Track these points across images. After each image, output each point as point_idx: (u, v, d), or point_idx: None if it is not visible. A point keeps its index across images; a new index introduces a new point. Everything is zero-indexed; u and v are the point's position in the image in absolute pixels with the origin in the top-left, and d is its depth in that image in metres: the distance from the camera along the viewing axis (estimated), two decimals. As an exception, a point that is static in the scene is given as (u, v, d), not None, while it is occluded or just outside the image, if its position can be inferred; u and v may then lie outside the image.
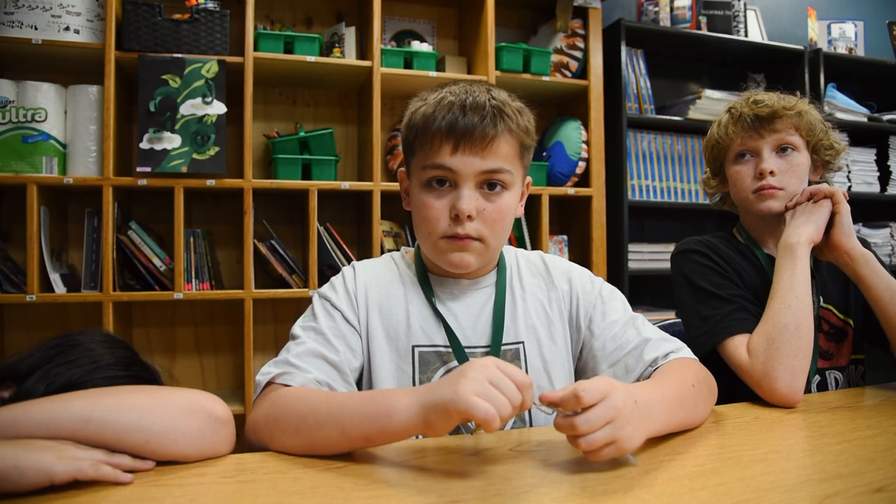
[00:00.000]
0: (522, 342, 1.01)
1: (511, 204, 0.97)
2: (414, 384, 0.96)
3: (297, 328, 0.97)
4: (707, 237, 1.33)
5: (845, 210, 1.18)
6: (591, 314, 1.04)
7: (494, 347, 0.98)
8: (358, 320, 0.98)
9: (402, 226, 2.52)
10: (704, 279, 1.23)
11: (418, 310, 1.00)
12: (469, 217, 0.92)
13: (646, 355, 0.98)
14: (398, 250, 1.11)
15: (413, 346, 0.97)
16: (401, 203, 1.07)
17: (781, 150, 1.24)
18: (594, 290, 1.06)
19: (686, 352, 1.01)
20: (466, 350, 0.97)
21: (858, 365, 1.30)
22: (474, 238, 0.93)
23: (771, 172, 1.22)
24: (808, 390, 1.19)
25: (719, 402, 1.03)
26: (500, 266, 1.06)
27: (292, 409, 0.80)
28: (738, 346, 1.12)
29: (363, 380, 0.98)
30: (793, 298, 1.10)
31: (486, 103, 0.92)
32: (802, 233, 1.16)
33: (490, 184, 0.93)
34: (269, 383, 0.88)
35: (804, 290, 1.12)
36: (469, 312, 1.01)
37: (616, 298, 1.06)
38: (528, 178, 1.04)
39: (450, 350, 0.98)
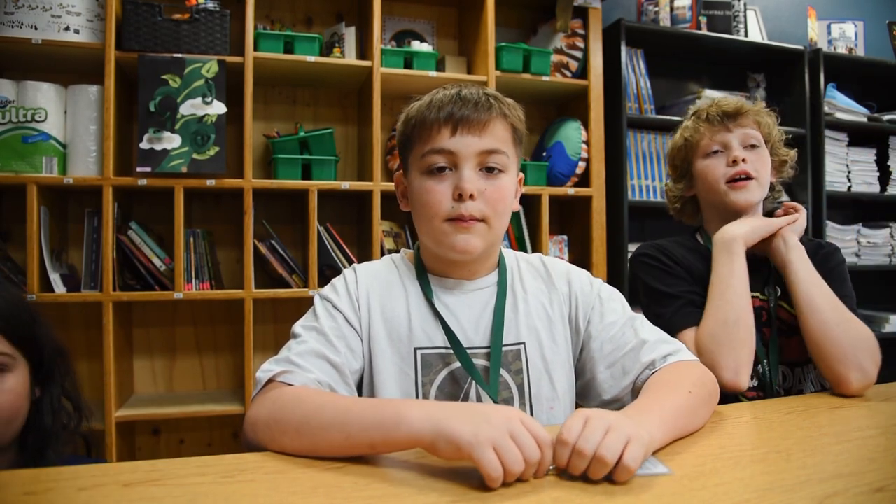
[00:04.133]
0: (524, 343, 1.01)
1: (510, 187, 0.98)
2: (417, 387, 0.96)
3: (298, 327, 0.97)
4: (661, 241, 1.38)
5: (802, 216, 1.30)
6: (590, 316, 1.04)
7: (495, 349, 0.97)
8: (360, 323, 0.98)
9: (402, 226, 2.52)
10: (655, 280, 1.31)
11: (419, 311, 1.00)
12: (471, 196, 0.93)
13: (643, 357, 0.98)
14: (398, 251, 1.11)
15: (415, 349, 0.97)
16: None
17: (749, 144, 1.31)
18: (593, 292, 1.07)
19: (685, 353, 1.00)
20: (468, 351, 0.97)
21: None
22: (478, 219, 0.94)
23: (743, 160, 1.29)
24: (769, 383, 1.23)
25: None
26: (501, 266, 1.06)
27: (295, 409, 0.79)
28: (688, 342, 1.18)
29: (364, 383, 0.98)
30: (732, 294, 1.18)
31: (479, 93, 0.97)
32: (738, 231, 1.24)
33: (489, 168, 0.96)
34: (270, 381, 0.88)
35: (742, 284, 1.20)
36: (470, 313, 1.01)
37: (615, 299, 1.06)
38: (521, 175, 1.05)
39: (451, 351, 0.97)
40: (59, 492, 0.64)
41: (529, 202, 2.60)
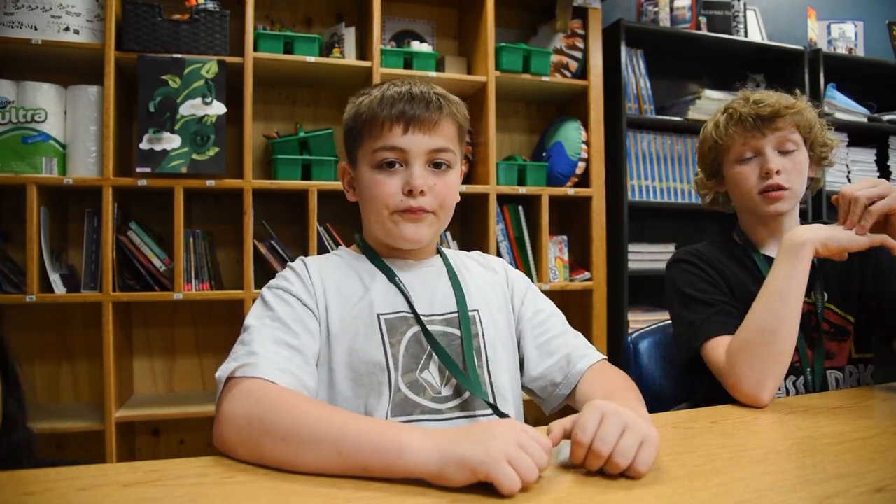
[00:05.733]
0: (477, 310, 1.05)
1: (456, 182, 1.04)
2: (385, 349, 0.96)
3: (250, 320, 0.94)
4: (701, 245, 1.33)
5: None
6: (524, 299, 1.12)
7: (462, 312, 1.01)
8: (316, 305, 0.97)
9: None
10: (690, 286, 1.24)
11: (374, 283, 1.02)
12: (422, 192, 0.97)
13: (569, 341, 1.07)
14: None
15: (378, 314, 0.98)
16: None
17: (784, 150, 1.24)
18: (525, 281, 1.16)
19: (597, 353, 1.07)
20: (427, 317, 0.99)
21: (868, 364, 1.28)
22: (427, 211, 0.99)
23: (777, 171, 1.22)
24: (810, 392, 1.20)
25: (714, 403, 1.05)
26: (441, 254, 1.12)
27: (285, 414, 0.74)
28: (716, 348, 1.13)
29: (320, 363, 0.96)
30: (778, 301, 1.08)
31: (430, 92, 1.00)
32: (812, 233, 1.11)
33: (436, 163, 1.00)
34: (231, 379, 0.82)
35: (795, 292, 1.08)
36: (425, 285, 1.04)
37: (541, 293, 1.15)
38: (463, 169, 1.09)
39: (413, 315, 0.99)
40: (58, 492, 0.64)
41: (529, 202, 2.60)
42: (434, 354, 0.98)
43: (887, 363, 1.36)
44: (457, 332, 1.01)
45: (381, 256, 1.06)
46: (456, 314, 1.02)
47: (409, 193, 0.97)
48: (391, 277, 1.02)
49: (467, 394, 0.97)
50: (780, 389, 1.20)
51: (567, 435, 0.73)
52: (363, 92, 1.04)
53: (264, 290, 1.00)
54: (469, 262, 1.14)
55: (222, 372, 0.84)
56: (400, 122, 0.97)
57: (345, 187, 1.10)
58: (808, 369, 1.20)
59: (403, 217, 0.98)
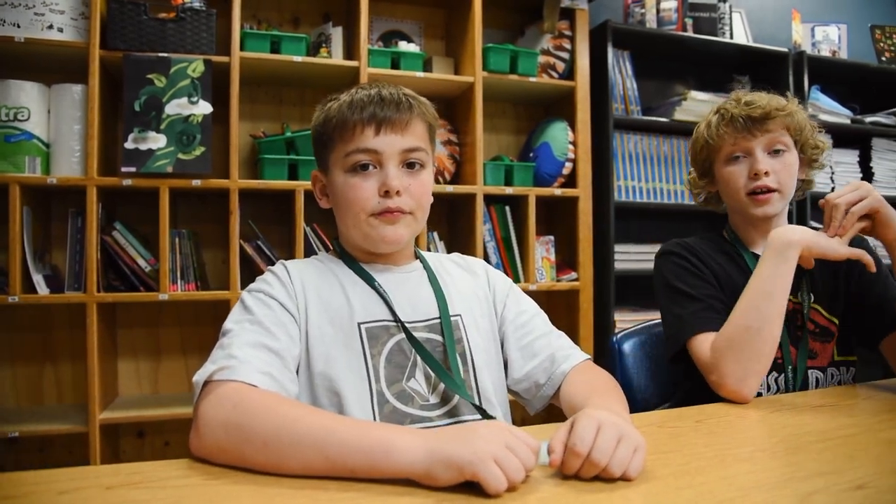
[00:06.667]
0: (460, 315, 1.05)
1: (429, 181, 1.05)
2: (366, 360, 0.95)
3: (229, 324, 0.92)
4: (690, 239, 1.34)
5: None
6: (506, 301, 1.12)
7: (444, 317, 1.01)
8: (297, 309, 0.96)
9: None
10: (679, 280, 1.25)
11: (355, 290, 1.01)
12: (398, 193, 0.98)
13: (553, 342, 1.07)
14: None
15: (358, 324, 0.98)
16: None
17: (774, 151, 1.25)
18: (507, 282, 1.16)
19: (581, 353, 1.08)
20: (412, 324, 0.99)
21: (850, 367, 1.29)
22: (405, 211, 0.99)
23: (766, 173, 1.23)
24: (790, 390, 1.21)
25: (700, 401, 1.06)
26: (420, 258, 1.11)
27: (264, 418, 0.73)
28: (702, 343, 1.15)
29: (300, 369, 0.95)
30: (763, 300, 1.10)
31: (398, 93, 1.01)
32: (799, 234, 1.14)
33: (409, 164, 1.01)
34: (209, 383, 0.80)
35: (780, 293, 1.11)
36: (404, 290, 1.03)
37: (523, 294, 1.16)
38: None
39: (395, 324, 0.99)
40: (39, 496, 0.63)
41: (516, 203, 2.60)
42: (419, 362, 0.97)
43: (869, 366, 1.37)
44: (439, 338, 1.00)
45: (359, 262, 1.05)
46: (438, 320, 1.02)
47: (386, 194, 0.97)
48: (370, 282, 1.02)
49: (455, 400, 0.97)
50: (761, 385, 1.21)
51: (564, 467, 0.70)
52: (331, 98, 1.03)
53: (244, 294, 0.98)
54: (449, 266, 1.14)
55: (199, 376, 0.81)
56: (371, 124, 0.97)
57: (317, 195, 1.09)
58: (790, 367, 1.22)
59: (381, 219, 0.98)
